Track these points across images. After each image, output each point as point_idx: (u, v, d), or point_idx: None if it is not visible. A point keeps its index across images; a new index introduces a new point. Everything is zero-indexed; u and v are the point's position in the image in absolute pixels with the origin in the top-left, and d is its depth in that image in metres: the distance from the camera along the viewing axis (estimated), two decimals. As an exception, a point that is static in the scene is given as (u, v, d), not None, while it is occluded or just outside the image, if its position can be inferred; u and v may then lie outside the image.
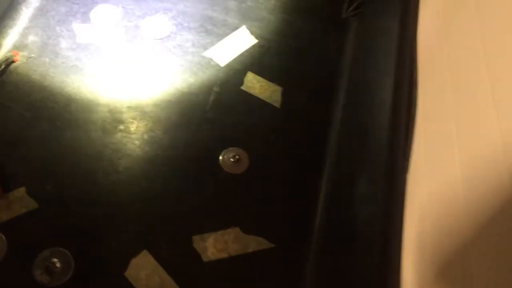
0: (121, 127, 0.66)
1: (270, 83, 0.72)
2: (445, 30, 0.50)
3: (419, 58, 0.47)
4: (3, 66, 0.69)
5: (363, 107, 0.65)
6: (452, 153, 0.41)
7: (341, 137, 0.68)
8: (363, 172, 0.54)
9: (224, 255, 0.59)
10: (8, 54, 0.70)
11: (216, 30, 0.77)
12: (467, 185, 0.38)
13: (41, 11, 0.75)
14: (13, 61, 0.70)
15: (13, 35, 0.72)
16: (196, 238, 0.59)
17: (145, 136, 0.66)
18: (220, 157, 0.65)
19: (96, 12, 0.76)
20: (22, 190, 0.60)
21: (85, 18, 0.76)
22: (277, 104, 0.71)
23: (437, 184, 0.48)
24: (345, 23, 0.80)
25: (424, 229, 0.50)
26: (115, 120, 0.67)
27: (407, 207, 0.57)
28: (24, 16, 0.74)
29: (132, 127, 0.66)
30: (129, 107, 0.68)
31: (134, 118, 0.67)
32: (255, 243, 0.60)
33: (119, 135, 0.65)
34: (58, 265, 0.56)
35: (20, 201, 0.59)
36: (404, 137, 0.43)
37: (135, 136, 0.66)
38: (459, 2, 0.46)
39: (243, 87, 0.72)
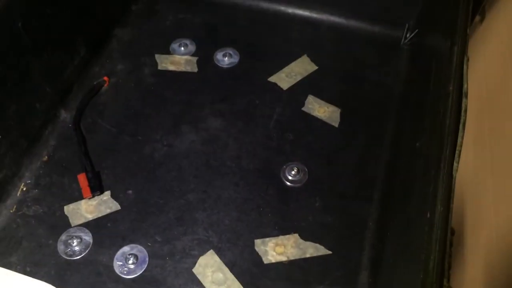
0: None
1: (329, 105, 0.78)
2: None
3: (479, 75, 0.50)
4: (95, 90, 0.80)
5: (414, 127, 0.68)
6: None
7: (393, 155, 0.72)
8: (414, 188, 0.57)
9: (283, 258, 0.63)
10: (100, 80, 0.81)
11: (280, 58, 0.84)
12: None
13: (129, 44, 0.87)
14: (103, 85, 0.81)
15: (105, 64, 0.84)
16: (258, 242, 0.64)
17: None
18: (282, 170, 0.71)
19: (175, 45, 0.86)
20: (107, 193, 0.68)
21: (165, 50, 0.86)
22: (335, 123, 0.76)
23: (505, 220, 0.50)
24: (402, 50, 0.85)
25: (492, 264, 0.52)
26: (188, 136, 0.75)
27: (472, 235, 0.59)
28: (115, 49, 0.86)
29: (203, 142, 0.74)
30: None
31: (204, 135, 0.75)
32: (312, 249, 0.64)
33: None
34: (135, 259, 0.62)
35: (105, 203, 0.68)
36: (452, 143, 0.47)
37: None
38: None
39: (303, 108, 0.78)
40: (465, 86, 0.50)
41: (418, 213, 0.47)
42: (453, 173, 0.44)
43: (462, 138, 0.47)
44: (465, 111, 0.49)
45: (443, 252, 0.39)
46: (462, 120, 0.48)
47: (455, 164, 0.45)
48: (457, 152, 0.46)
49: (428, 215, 0.42)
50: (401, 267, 0.50)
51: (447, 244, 0.40)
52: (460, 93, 0.50)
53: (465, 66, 0.52)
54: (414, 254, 0.44)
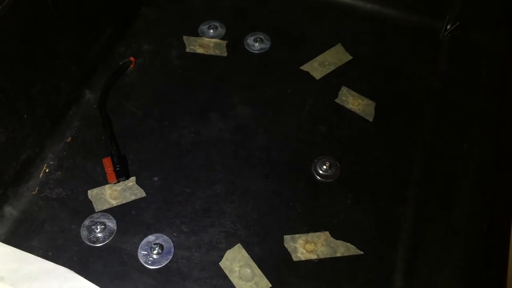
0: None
1: (364, 98, 0.75)
2: None
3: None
4: (121, 70, 0.77)
5: (458, 127, 0.65)
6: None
7: (431, 154, 0.68)
8: (462, 193, 0.54)
9: (313, 256, 0.61)
10: (126, 60, 0.78)
11: (313, 46, 0.81)
12: None
13: (155, 24, 0.84)
14: (129, 66, 0.78)
15: (131, 44, 0.80)
16: (287, 238, 0.62)
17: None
18: (313, 164, 0.68)
19: (204, 27, 0.83)
20: (132, 179, 0.66)
21: (194, 32, 0.82)
22: (369, 118, 0.73)
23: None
24: (442, 43, 0.81)
25: None
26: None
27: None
28: (141, 29, 0.83)
29: (231, 131, 0.71)
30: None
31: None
32: (343, 248, 0.62)
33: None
34: (161, 249, 0.60)
35: (130, 189, 0.65)
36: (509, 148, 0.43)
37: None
38: None
39: (337, 100, 0.75)
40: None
41: (469, 222, 0.45)
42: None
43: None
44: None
45: (503, 268, 0.37)
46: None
47: (514, 172, 0.42)
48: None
49: (486, 227, 0.39)
50: (445, 276, 0.48)
51: (507, 260, 0.37)
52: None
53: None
54: (467, 266, 0.42)
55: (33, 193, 0.64)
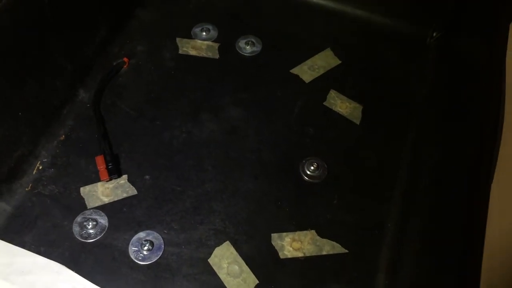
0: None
1: (351, 101, 0.77)
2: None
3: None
4: (114, 70, 0.78)
5: (442, 130, 0.67)
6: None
7: (416, 156, 0.71)
8: (444, 194, 0.56)
9: (299, 254, 0.63)
10: (119, 61, 0.79)
11: (303, 50, 0.83)
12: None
13: (150, 25, 0.85)
14: (122, 67, 0.79)
15: (124, 44, 0.82)
16: (274, 236, 0.64)
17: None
18: (301, 165, 0.70)
19: (196, 29, 0.85)
20: (124, 177, 0.67)
21: (187, 34, 0.84)
22: (356, 121, 0.75)
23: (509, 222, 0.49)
24: (428, 49, 0.83)
25: (493, 267, 0.51)
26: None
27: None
28: (135, 29, 0.84)
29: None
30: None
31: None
32: (329, 247, 0.63)
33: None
34: (151, 246, 0.62)
35: (122, 187, 0.67)
36: (490, 151, 0.46)
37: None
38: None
39: (325, 103, 0.77)
40: (503, 93, 0.49)
41: (451, 223, 0.47)
42: (489, 181, 0.44)
43: (499, 146, 0.46)
44: (503, 118, 0.48)
45: (479, 263, 0.39)
46: (499, 128, 0.47)
47: (492, 173, 0.44)
48: (493, 161, 0.45)
49: (465, 221, 0.41)
50: (427, 275, 0.50)
51: (482, 255, 0.39)
52: (499, 100, 0.49)
53: (504, 72, 0.51)
54: (448, 264, 0.44)
55: (27, 189, 0.66)
